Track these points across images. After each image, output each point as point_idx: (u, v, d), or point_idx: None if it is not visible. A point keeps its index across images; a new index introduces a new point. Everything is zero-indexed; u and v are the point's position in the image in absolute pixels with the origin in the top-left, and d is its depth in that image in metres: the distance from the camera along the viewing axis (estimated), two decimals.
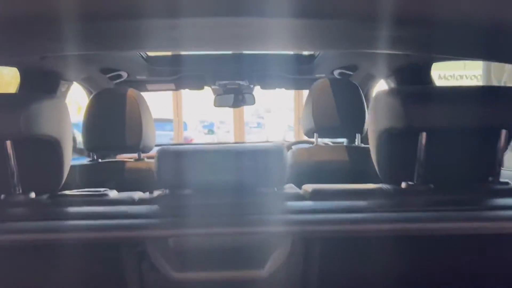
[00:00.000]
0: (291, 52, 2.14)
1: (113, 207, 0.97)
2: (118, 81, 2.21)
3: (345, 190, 1.04)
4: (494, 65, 3.18)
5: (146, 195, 1.02)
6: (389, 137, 1.00)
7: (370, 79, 2.15)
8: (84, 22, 0.94)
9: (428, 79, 1.81)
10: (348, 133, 1.82)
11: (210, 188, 1.00)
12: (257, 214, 0.94)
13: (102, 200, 1.00)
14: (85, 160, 1.67)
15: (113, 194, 1.03)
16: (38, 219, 0.92)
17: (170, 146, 1.11)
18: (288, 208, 0.97)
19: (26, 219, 0.92)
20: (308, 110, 1.71)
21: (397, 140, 1.00)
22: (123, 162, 1.64)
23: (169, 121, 8.73)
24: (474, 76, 6.34)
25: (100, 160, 1.66)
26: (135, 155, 1.66)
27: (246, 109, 7.23)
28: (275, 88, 2.62)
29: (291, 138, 13.19)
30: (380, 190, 1.04)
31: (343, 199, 0.99)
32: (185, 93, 8.18)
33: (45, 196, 1.01)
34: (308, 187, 1.04)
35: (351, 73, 2.08)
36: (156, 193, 1.02)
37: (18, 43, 1.24)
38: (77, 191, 1.03)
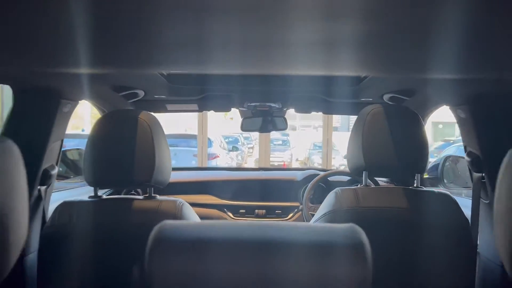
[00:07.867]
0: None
1: None
2: (133, 100, 1.95)
3: None
4: None
5: None
6: None
7: (428, 105, 1.80)
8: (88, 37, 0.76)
9: None
10: (406, 173, 1.47)
11: None
12: None
13: None
14: (85, 195, 1.39)
15: None
16: None
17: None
18: None
19: None
20: (357, 143, 1.38)
21: None
22: (129, 201, 1.35)
23: (194, 137, 8.60)
24: None
25: (104, 197, 1.38)
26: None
27: None
28: (311, 112, 2.31)
29: (317, 159, 12.83)
30: None
31: None
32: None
33: None
34: None
35: (406, 98, 1.74)
36: None
37: (10, 56, 0.99)
38: None
